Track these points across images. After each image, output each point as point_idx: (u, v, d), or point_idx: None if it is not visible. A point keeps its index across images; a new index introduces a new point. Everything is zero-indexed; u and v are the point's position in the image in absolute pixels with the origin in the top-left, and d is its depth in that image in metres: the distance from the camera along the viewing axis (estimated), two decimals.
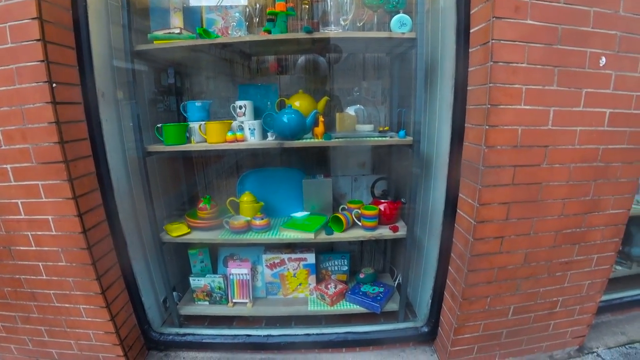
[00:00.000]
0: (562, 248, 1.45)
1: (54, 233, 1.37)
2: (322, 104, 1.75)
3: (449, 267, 1.58)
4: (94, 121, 1.41)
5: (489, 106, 1.21)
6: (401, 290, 1.82)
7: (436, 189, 1.62)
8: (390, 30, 1.47)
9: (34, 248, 1.40)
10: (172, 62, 1.90)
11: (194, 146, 1.63)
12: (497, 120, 1.23)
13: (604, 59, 1.24)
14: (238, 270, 1.87)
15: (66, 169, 1.29)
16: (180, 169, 2.12)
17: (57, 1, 1.25)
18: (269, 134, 1.65)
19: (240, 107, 1.65)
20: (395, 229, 1.75)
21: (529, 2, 1.14)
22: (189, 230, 1.79)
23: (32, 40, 1.17)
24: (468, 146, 1.38)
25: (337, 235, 1.75)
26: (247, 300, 1.90)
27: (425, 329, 1.75)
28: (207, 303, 1.93)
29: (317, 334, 1.77)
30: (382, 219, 1.80)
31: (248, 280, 1.87)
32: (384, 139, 1.63)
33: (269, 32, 1.49)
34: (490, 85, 1.19)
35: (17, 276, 1.47)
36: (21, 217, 1.36)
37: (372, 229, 1.76)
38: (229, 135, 1.59)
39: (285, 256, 1.94)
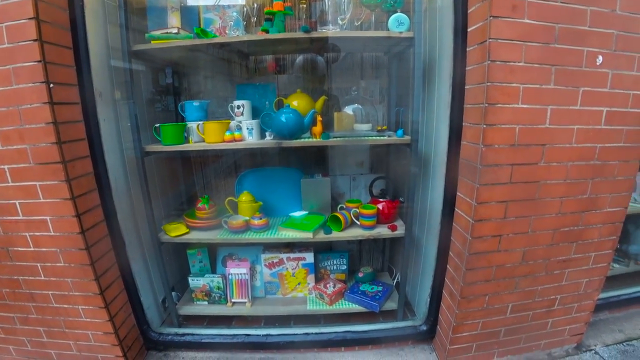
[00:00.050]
0: (560, 246, 1.45)
1: (52, 234, 1.36)
2: (320, 103, 1.75)
3: (448, 266, 1.58)
4: (92, 121, 1.41)
5: (487, 105, 1.21)
6: (400, 289, 1.82)
7: (434, 188, 1.63)
8: (388, 30, 1.47)
9: (32, 249, 1.40)
10: (170, 61, 1.89)
11: (192, 146, 1.63)
12: (494, 119, 1.23)
13: (600, 57, 1.24)
14: (237, 270, 1.87)
15: (64, 170, 1.28)
16: (178, 168, 2.12)
17: (53, 1, 1.24)
18: (267, 133, 1.65)
19: (238, 107, 1.65)
20: (393, 228, 1.75)
21: (526, 1, 1.14)
22: (188, 230, 1.79)
23: (29, 41, 1.17)
24: (466, 145, 1.39)
25: (336, 235, 1.75)
26: (246, 300, 1.90)
27: (424, 328, 1.76)
28: (206, 303, 1.93)
29: (316, 333, 1.77)
30: (381, 218, 1.81)
31: (247, 279, 1.87)
32: (382, 138, 1.63)
33: (267, 31, 1.48)
34: (488, 84, 1.19)
35: (16, 277, 1.46)
36: (19, 218, 1.36)
37: (371, 228, 1.76)
38: (227, 135, 1.59)
39: (284, 256, 1.94)
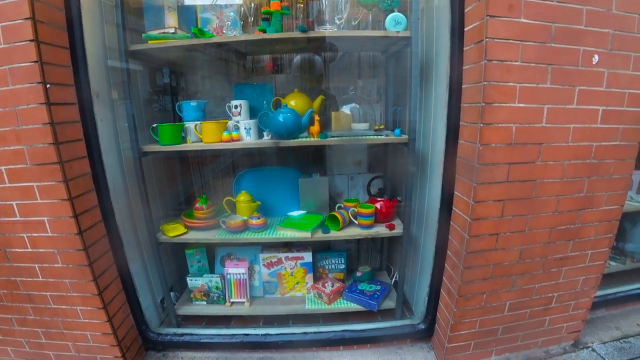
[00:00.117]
0: (557, 244, 1.46)
1: (50, 234, 1.36)
2: (317, 102, 1.75)
3: (445, 265, 1.59)
4: (89, 122, 1.40)
5: (484, 104, 1.22)
6: (398, 288, 1.83)
7: (432, 187, 1.63)
8: (385, 29, 1.47)
9: (29, 250, 1.40)
10: (167, 61, 1.89)
11: (189, 146, 1.63)
12: (491, 118, 1.23)
13: (596, 56, 1.25)
14: (235, 270, 1.87)
15: (61, 170, 1.28)
16: (176, 169, 2.12)
17: (50, 1, 1.24)
18: (264, 133, 1.65)
19: (236, 107, 1.65)
20: (391, 227, 1.76)
21: (523, 0, 1.15)
22: (186, 230, 1.79)
23: (25, 41, 1.17)
24: (463, 144, 1.39)
25: (334, 234, 1.75)
26: (244, 300, 1.90)
27: (422, 326, 1.76)
28: (204, 303, 1.93)
29: (315, 333, 1.78)
30: (379, 217, 1.81)
31: (245, 279, 1.87)
32: (379, 137, 1.64)
33: (264, 31, 1.48)
34: (485, 83, 1.20)
35: (13, 278, 1.46)
36: (16, 219, 1.35)
37: (369, 227, 1.76)
38: (225, 135, 1.59)
39: (282, 255, 1.94)
